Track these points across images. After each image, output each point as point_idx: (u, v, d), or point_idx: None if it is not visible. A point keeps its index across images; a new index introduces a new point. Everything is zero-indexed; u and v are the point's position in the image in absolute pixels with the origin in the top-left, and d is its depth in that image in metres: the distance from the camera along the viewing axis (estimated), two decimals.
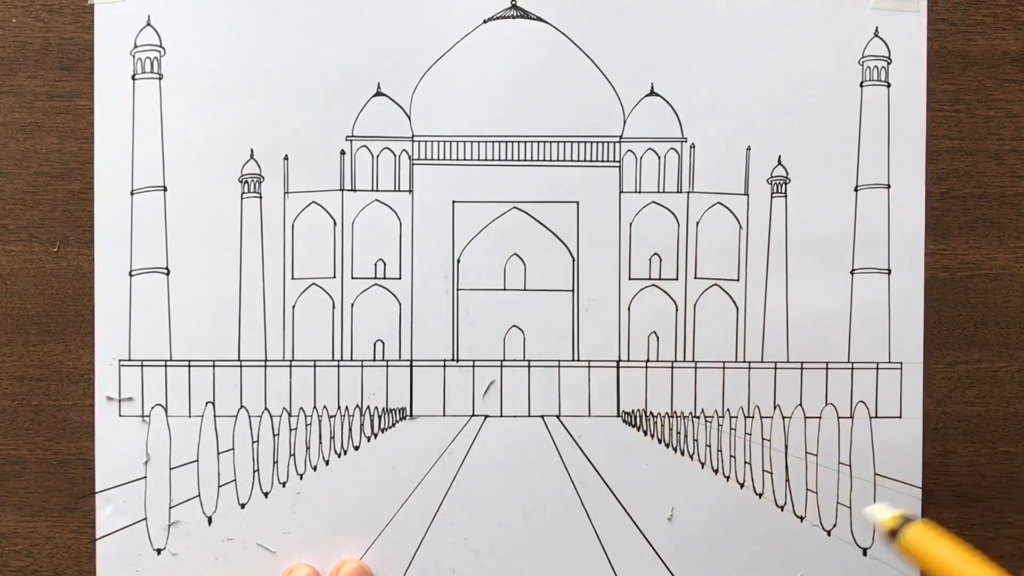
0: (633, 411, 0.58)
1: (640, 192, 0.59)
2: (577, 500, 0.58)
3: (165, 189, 0.58)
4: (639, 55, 0.58)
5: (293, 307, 0.58)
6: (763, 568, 0.58)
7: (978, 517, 0.59)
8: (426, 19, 0.58)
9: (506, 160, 0.58)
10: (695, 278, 0.59)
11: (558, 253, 0.59)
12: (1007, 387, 0.59)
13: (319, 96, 0.58)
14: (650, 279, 0.59)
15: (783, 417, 0.58)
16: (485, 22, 0.58)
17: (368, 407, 0.58)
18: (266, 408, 0.58)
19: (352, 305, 0.59)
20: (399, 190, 0.59)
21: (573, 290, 0.59)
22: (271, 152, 0.58)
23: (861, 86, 0.58)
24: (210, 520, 0.58)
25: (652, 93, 0.58)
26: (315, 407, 0.58)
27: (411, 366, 0.59)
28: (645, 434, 0.58)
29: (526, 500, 0.58)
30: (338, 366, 0.58)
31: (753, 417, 0.58)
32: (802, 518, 0.58)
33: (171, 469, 0.58)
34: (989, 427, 0.59)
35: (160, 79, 0.58)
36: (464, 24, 0.58)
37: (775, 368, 0.58)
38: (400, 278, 0.59)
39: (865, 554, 0.58)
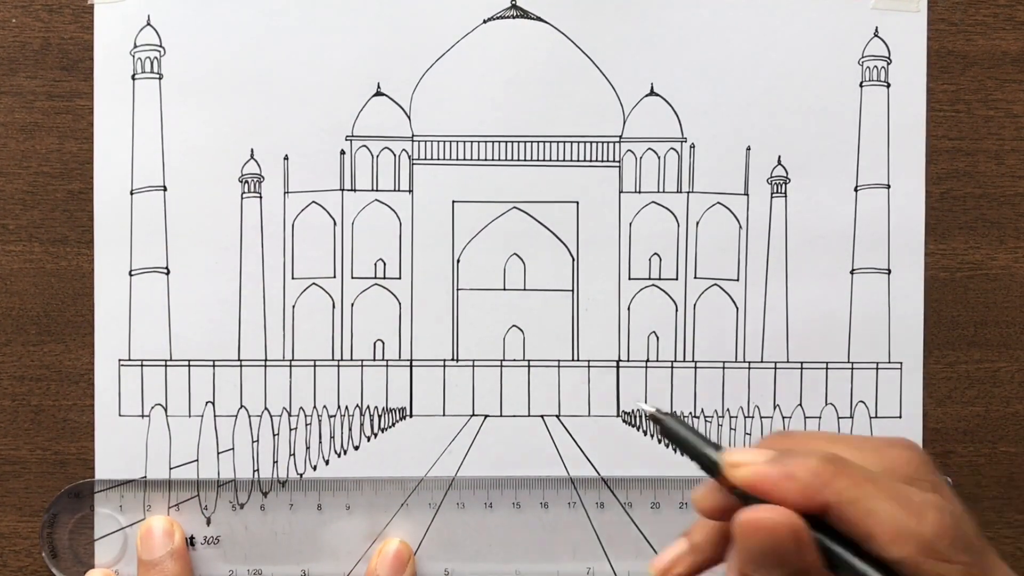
0: (633, 411, 0.58)
1: (640, 192, 0.59)
2: (577, 500, 0.58)
3: (165, 189, 0.58)
4: (639, 55, 0.58)
5: (293, 307, 0.58)
6: None
7: (978, 517, 0.59)
8: (426, 19, 0.58)
9: (506, 160, 0.58)
10: (695, 278, 0.59)
11: (558, 253, 0.59)
12: (1007, 387, 0.59)
13: (319, 96, 0.58)
14: (650, 279, 0.59)
15: (783, 417, 0.58)
16: (485, 22, 0.58)
17: (368, 407, 0.58)
18: (266, 408, 0.58)
19: (352, 305, 0.59)
20: (399, 190, 0.59)
21: (573, 290, 0.59)
22: (271, 152, 0.58)
23: (861, 86, 0.58)
24: (209, 521, 0.58)
25: (652, 93, 0.58)
26: (315, 407, 0.58)
27: (411, 366, 0.58)
28: (645, 434, 0.58)
29: (525, 500, 0.58)
30: (338, 366, 0.58)
31: (753, 417, 0.58)
32: None
33: (171, 469, 0.58)
34: (989, 427, 0.59)
35: (160, 79, 0.58)
36: (464, 24, 0.58)
37: (775, 368, 0.58)
38: (400, 278, 0.59)
39: None
